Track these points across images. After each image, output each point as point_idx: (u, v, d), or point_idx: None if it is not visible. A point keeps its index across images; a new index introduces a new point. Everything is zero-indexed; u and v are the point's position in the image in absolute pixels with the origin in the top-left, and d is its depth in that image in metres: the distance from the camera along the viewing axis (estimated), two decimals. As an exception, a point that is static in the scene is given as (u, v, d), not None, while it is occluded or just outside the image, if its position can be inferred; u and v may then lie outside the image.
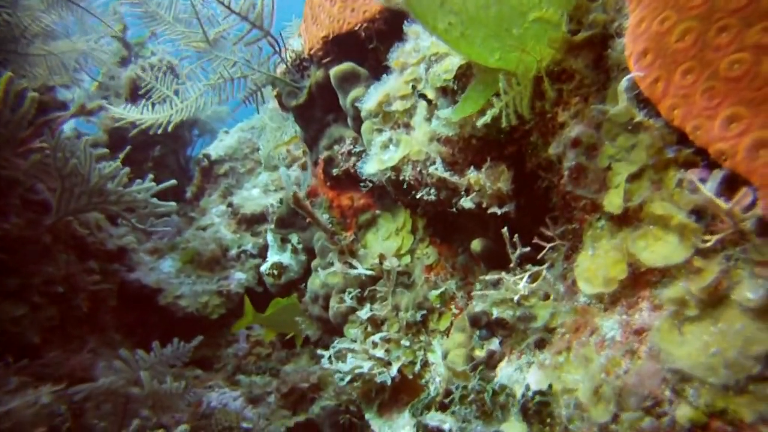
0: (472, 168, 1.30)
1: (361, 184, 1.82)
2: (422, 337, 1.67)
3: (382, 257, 1.72)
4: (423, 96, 1.37)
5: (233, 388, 2.49)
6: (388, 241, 1.79)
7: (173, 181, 2.22)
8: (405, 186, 1.45)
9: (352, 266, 1.78)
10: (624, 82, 0.90)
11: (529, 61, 1.04)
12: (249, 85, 1.86)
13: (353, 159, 1.81)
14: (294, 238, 2.09)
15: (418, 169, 1.41)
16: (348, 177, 1.84)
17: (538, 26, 1.01)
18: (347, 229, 1.88)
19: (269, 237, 2.24)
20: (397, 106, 1.45)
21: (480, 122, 1.11)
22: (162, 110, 1.87)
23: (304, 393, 2.52)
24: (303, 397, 2.54)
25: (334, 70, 1.69)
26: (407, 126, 1.46)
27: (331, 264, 1.83)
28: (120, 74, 3.54)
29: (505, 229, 1.21)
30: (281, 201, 2.15)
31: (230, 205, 3.22)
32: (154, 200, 2.44)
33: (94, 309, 2.53)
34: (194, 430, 2.25)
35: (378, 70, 1.74)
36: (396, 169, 1.45)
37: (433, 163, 1.37)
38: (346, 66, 1.68)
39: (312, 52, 1.80)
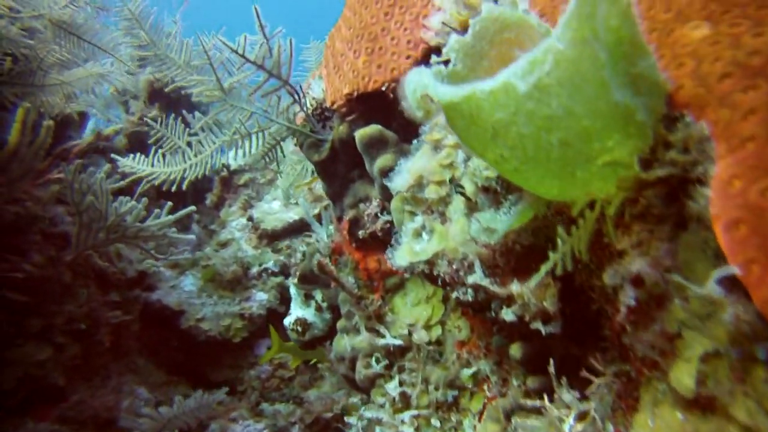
0: (515, 280, 1.19)
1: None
2: (453, 416, 1.60)
3: (411, 329, 1.64)
4: (461, 191, 1.24)
5: (257, 420, 2.49)
6: (417, 307, 1.70)
7: (192, 208, 2.13)
8: (439, 282, 1.34)
9: (379, 334, 1.70)
10: (715, 276, 0.77)
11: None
12: (267, 140, 1.73)
13: (380, 222, 1.69)
14: (318, 296, 2.01)
15: (455, 267, 1.30)
16: (375, 239, 1.74)
17: (607, 169, 0.87)
18: (374, 291, 1.79)
19: (292, 290, 2.16)
20: (431, 192, 1.33)
21: (533, 281, 0.99)
22: (174, 162, 1.76)
23: (329, 423, 2.51)
24: (327, 426, 2.52)
25: (360, 134, 1.56)
26: (442, 214, 1.34)
27: (357, 328, 1.75)
28: (138, 75, 3.41)
29: (551, 367, 1.11)
30: (304, 255, 2.06)
31: (250, 218, 3.14)
32: (173, 234, 2.37)
33: (117, 340, 2.52)
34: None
35: (407, 130, 1.60)
36: (429, 262, 1.34)
37: (471, 266, 1.25)
38: (372, 130, 1.54)
39: (335, 106, 1.66)
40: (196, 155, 1.72)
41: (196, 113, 1.74)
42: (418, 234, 1.37)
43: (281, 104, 1.73)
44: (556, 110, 0.77)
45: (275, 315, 2.92)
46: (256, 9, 1.67)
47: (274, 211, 3.12)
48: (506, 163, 0.94)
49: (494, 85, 0.74)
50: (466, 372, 1.57)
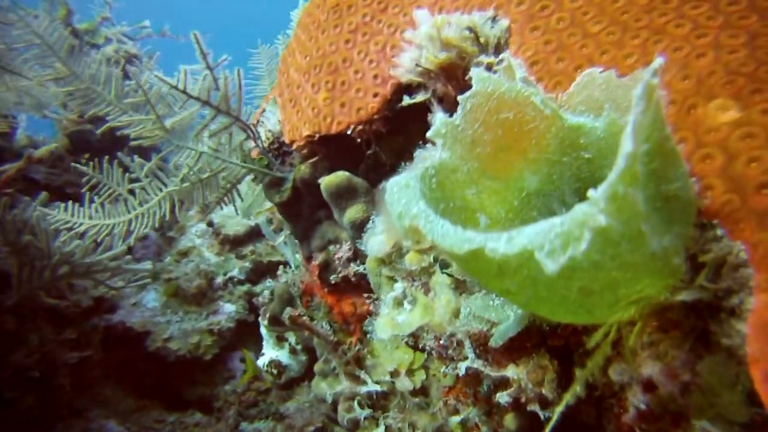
0: (510, 365, 1.10)
1: (365, 295, 1.59)
2: (443, 464, 1.55)
3: (393, 376, 1.55)
4: (448, 272, 1.12)
5: (237, 444, 2.42)
6: (398, 351, 1.61)
7: (148, 265, 1.95)
8: (426, 354, 1.24)
9: (359, 380, 1.61)
10: None
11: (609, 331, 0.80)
12: (221, 184, 1.55)
13: (352, 266, 1.56)
14: (291, 338, 1.90)
15: (442, 342, 1.20)
16: (348, 283, 1.61)
17: (630, 304, 0.76)
18: (351, 334, 1.68)
19: (263, 330, 2.03)
20: (412, 263, 1.20)
21: (552, 423, 0.90)
22: (117, 213, 1.56)
23: (311, 437, 2.46)
24: (310, 440, 2.48)
25: (325, 183, 1.40)
26: (425, 284, 1.22)
27: (336, 373, 1.66)
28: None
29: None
30: (272, 293, 1.92)
31: (210, 224, 2.95)
32: (128, 265, 2.19)
33: (78, 376, 2.36)
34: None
35: (378, 171, 1.45)
36: (414, 335, 1.23)
37: (460, 343, 1.16)
38: (338, 179, 1.39)
39: (294, 146, 1.49)
40: (141, 204, 1.53)
41: (136, 157, 1.53)
42: (399, 303, 1.26)
43: (233, 141, 1.54)
44: (581, 263, 0.64)
45: (245, 326, 2.81)
46: (195, 36, 1.45)
47: (235, 215, 2.94)
48: (513, 296, 0.83)
49: (510, 251, 0.61)
50: (454, 420, 1.51)
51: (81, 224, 1.55)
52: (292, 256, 1.93)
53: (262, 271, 2.93)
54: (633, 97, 0.58)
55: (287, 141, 1.51)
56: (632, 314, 0.79)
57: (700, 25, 0.93)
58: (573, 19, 1.05)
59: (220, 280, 2.87)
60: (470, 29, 1.11)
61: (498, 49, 1.12)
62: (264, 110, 1.72)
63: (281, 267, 1.97)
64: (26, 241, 2.00)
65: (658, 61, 0.65)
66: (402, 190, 0.78)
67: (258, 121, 1.71)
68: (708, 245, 0.76)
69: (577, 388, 0.83)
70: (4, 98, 2.08)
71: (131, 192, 1.56)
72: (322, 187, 1.40)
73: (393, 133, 1.36)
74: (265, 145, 1.61)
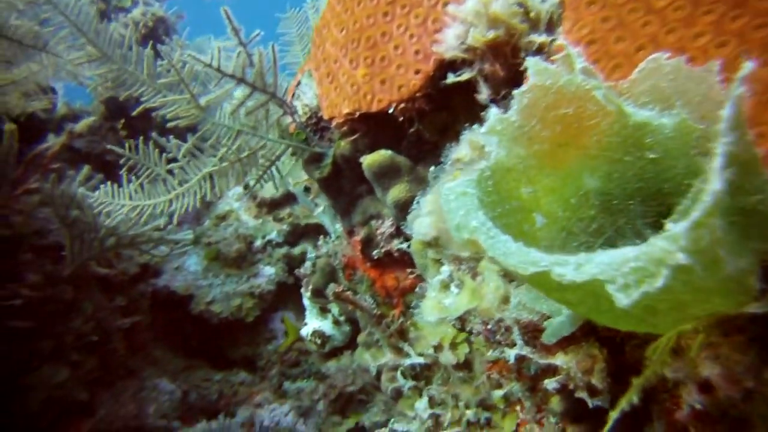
0: (559, 353, 1.09)
1: (408, 270, 1.60)
2: (485, 432, 1.59)
3: (438, 348, 1.57)
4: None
5: (281, 402, 2.52)
6: (442, 325, 1.62)
7: (189, 234, 1.99)
8: (472, 337, 1.25)
9: (403, 352, 1.64)
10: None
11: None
12: (261, 162, 1.54)
13: (395, 241, 1.56)
14: (334, 309, 1.92)
15: (489, 327, 1.20)
16: (390, 258, 1.61)
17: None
18: (394, 307, 1.70)
19: (305, 301, 2.06)
20: (460, 249, 1.18)
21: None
22: (156, 193, 1.57)
23: (352, 396, 2.55)
24: (351, 399, 2.57)
25: (368, 163, 1.37)
26: (472, 268, 1.21)
27: (379, 344, 1.69)
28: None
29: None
30: (314, 265, 1.93)
31: (246, 187, 2.96)
32: (171, 236, 2.24)
33: (130, 339, 2.48)
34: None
35: (421, 148, 1.42)
36: (461, 319, 1.23)
37: (508, 329, 1.15)
38: (381, 158, 1.36)
39: (333, 123, 1.45)
40: (180, 184, 1.53)
41: (171, 137, 1.53)
42: (446, 286, 1.25)
43: (270, 117, 1.52)
44: (651, 293, 0.61)
45: (284, 288, 2.87)
46: (226, 11, 1.40)
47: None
48: (573, 307, 0.81)
49: (579, 278, 0.59)
50: (497, 393, 1.53)
51: (122, 206, 1.58)
52: (332, 225, 1.93)
53: (300, 233, 2.96)
54: (720, 120, 0.53)
55: (326, 117, 1.48)
56: (696, 325, 0.77)
57: (782, 2, 0.84)
58: (634, -7, 0.96)
59: (258, 243, 2.92)
60: (520, 4, 1.04)
61: (550, 25, 1.05)
62: (299, 83, 1.68)
63: (321, 237, 1.98)
64: (74, 216, 2.06)
65: (746, 68, 0.60)
66: (459, 198, 0.75)
67: (294, 95, 1.67)
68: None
69: (633, 396, 0.82)
70: (42, 75, 2.09)
71: (170, 172, 1.56)
72: (363, 166, 1.38)
73: (436, 109, 1.32)
74: (303, 119, 1.58)
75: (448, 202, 0.75)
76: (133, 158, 1.59)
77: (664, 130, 0.76)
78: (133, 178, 1.62)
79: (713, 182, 0.49)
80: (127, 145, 1.58)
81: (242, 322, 2.78)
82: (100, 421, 2.16)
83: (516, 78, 1.12)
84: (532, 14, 1.04)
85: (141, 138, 1.61)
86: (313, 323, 2.02)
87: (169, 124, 1.45)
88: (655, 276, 0.52)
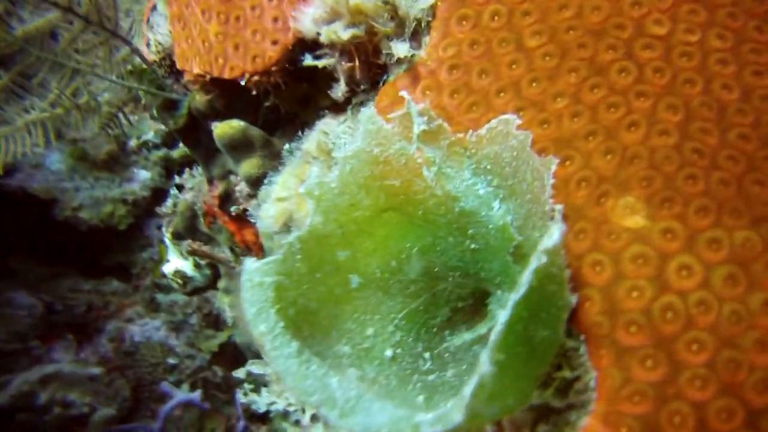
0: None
1: (268, 233, 1.53)
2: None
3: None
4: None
5: (153, 316, 2.49)
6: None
7: None
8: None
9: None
10: None
11: None
12: (103, 108, 1.32)
13: (254, 201, 1.46)
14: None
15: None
16: (249, 215, 1.52)
17: None
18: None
19: (166, 239, 1.92)
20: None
21: None
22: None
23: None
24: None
25: (218, 134, 1.22)
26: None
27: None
28: None
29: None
30: (175, 206, 1.78)
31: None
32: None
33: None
34: (120, 369, 2.32)
35: (280, 119, 1.28)
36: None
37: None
38: (232, 130, 1.21)
39: (185, 78, 1.25)
40: None
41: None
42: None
43: (116, 56, 1.28)
44: None
45: (161, 194, 2.69)
46: None
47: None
48: None
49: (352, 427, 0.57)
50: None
51: None
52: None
53: (181, 136, 2.73)
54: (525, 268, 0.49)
55: (178, 66, 1.27)
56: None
57: (646, 78, 0.77)
58: (510, 18, 0.84)
59: (133, 143, 2.66)
60: (387, 2, 0.88)
61: (417, 33, 0.91)
62: (155, 6, 1.42)
63: (187, 170, 1.82)
64: None
65: (555, 235, 0.55)
66: (255, 290, 0.69)
67: (148, 21, 1.41)
68: (569, 355, 0.73)
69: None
70: None
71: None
72: (214, 136, 1.23)
73: (296, 81, 1.16)
74: (156, 58, 1.35)
75: (245, 289, 0.68)
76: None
77: (488, 226, 0.71)
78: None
79: (496, 332, 0.46)
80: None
81: (114, 230, 2.62)
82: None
83: (376, 77, 0.99)
84: (399, 13, 0.90)
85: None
86: (175, 262, 1.94)
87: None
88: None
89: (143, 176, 2.64)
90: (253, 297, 0.67)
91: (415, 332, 0.84)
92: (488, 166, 0.75)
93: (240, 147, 1.23)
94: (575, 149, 0.76)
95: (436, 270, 0.79)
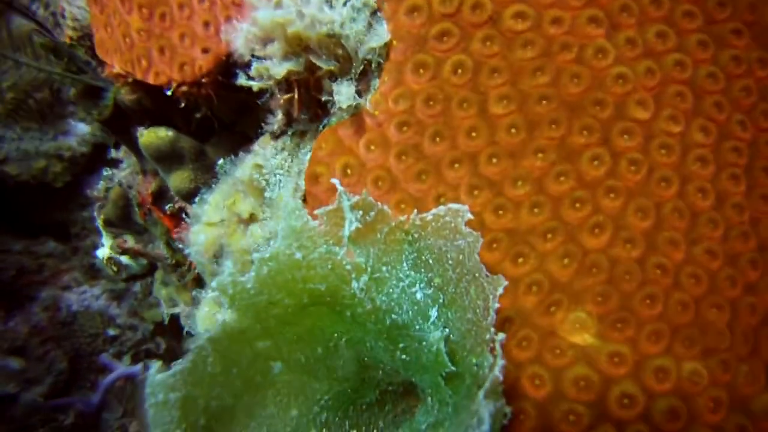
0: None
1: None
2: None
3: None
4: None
5: (92, 283, 2.36)
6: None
7: None
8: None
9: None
10: None
11: None
12: (6, 95, 1.13)
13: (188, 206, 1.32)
14: (130, 241, 1.66)
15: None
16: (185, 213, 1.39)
17: None
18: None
19: (98, 224, 1.75)
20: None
21: None
22: None
23: (174, 276, 2.45)
24: (173, 279, 2.47)
25: (143, 143, 1.07)
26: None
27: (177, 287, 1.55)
28: None
29: None
30: (106, 191, 1.61)
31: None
32: None
33: None
34: (56, 340, 2.21)
35: (213, 129, 1.13)
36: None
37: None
38: (159, 141, 1.06)
39: (107, 72, 1.08)
40: None
41: None
42: (218, 303, 1.11)
43: (13, 29, 1.09)
44: None
45: (103, 151, 2.48)
46: None
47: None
48: None
49: None
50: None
51: None
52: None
53: (125, 86, 2.48)
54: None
55: (98, 55, 1.09)
56: None
57: (619, 171, 0.67)
58: (476, 75, 0.72)
59: (71, 92, 2.40)
60: (332, 34, 0.73)
61: (366, 72, 0.77)
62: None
63: (123, 147, 1.63)
64: None
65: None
66: (159, 409, 0.59)
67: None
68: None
69: None
70: None
71: None
72: (141, 144, 1.08)
73: (232, 90, 1.01)
74: (72, 36, 1.16)
75: (149, 407, 0.59)
76: None
77: (421, 342, 0.63)
78: None
79: None
80: None
81: (49, 186, 2.41)
82: None
83: (318, 109, 0.86)
84: (346, 50, 0.75)
85: None
86: (108, 248, 1.80)
87: None
88: None
89: (81, 129, 2.41)
90: (157, 418, 0.58)
91: (342, 411, 0.77)
92: (430, 261, 0.66)
93: (169, 158, 1.09)
94: (531, 247, 0.67)
95: (365, 359, 0.71)
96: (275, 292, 0.62)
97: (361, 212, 0.61)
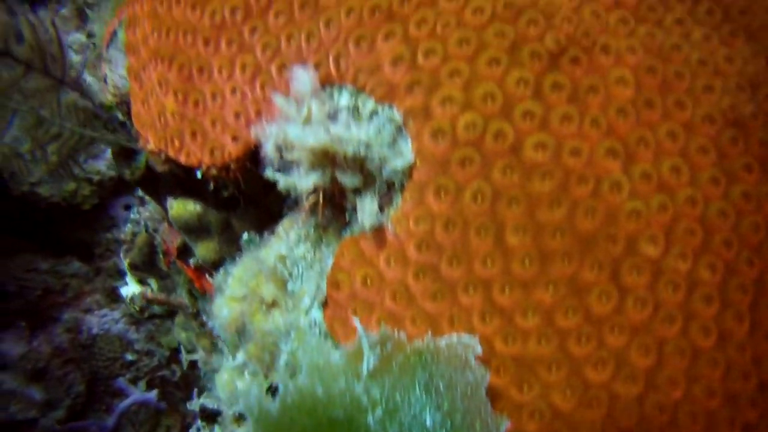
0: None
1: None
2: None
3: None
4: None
5: (113, 307, 2.43)
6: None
7: None
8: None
9: (218, 350, 1.58)
10: None
11: None
12: (49, 157, 1.19)
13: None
14: (153, 284, 1.72)
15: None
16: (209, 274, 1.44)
17: None
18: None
19: (124, 266, 1.82)
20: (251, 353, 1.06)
21: None
22: None
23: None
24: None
25: (172, 215, 1.12)
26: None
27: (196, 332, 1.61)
28: None
29: None
30: (134, 236, 1.67)
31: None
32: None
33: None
34: (76, 362, 2.28)
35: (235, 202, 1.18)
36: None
37: None
38: (187, 214, 1.11)
39: (141, 144, 1.13)
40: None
41: None
42: (240, 372, 1.15)
43: (63, 98, 1.15)
44: None
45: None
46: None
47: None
48: None
49: None
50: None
51: None
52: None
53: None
54: None
55: (136, 127, 1.15)
56: None
57: (625, 309, 0.70)
58: (494, 204, 0.75)
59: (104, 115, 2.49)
60: (355, 159, 0.77)
61: (389, 187, 0.81)
62: (114, 33, 1.26)
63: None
64: None
65: None
66: None
67: (108, 45, 1.26)
68: None
69: None
70: None
71: None
72: (170, 216, 1.13)
73: (258, 181, 1.06)
74: (113, 100, 1.22)
75: None
76: None
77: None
78: None
79: None
80: None
81: (78, 208, 2.50)
82: None
83: (342, 211, 0.90)
84: (366, 168, 0.79)
85: None
86: (133, 287, 1.86)
87: None
88: None
89: (109, 154, 2.49)
90: None
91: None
92: (441, 387, 0.69)
93: (195, 231, 1.14)
94: (535, 376, 0.70)
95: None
96: (297, 417, 0.66)
97: (378, 348, 0.64)
